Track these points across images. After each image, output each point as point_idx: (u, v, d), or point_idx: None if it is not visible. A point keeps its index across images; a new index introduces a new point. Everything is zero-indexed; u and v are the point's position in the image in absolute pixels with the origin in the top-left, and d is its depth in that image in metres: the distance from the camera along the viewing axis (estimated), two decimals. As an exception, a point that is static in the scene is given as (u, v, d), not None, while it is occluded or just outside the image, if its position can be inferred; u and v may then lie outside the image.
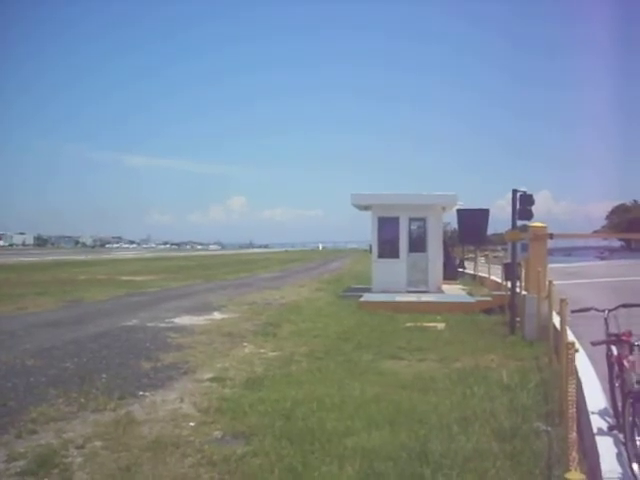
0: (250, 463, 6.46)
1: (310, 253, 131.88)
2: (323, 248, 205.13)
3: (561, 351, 7.59)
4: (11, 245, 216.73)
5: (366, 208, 26.15)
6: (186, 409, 8.69)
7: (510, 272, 16.56)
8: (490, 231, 32.89)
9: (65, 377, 10.40)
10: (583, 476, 4.12)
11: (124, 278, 36.84)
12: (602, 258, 70.96)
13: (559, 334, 8.78)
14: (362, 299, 21.44)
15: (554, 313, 11.20)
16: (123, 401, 9.01)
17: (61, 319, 17.50)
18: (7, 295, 24.23)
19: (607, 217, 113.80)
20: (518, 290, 16.20)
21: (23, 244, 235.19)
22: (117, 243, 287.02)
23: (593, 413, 6.79)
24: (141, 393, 9.57)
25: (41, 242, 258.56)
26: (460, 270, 35.63)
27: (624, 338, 6.43)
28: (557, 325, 10.09)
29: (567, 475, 4.10)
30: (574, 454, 4.21)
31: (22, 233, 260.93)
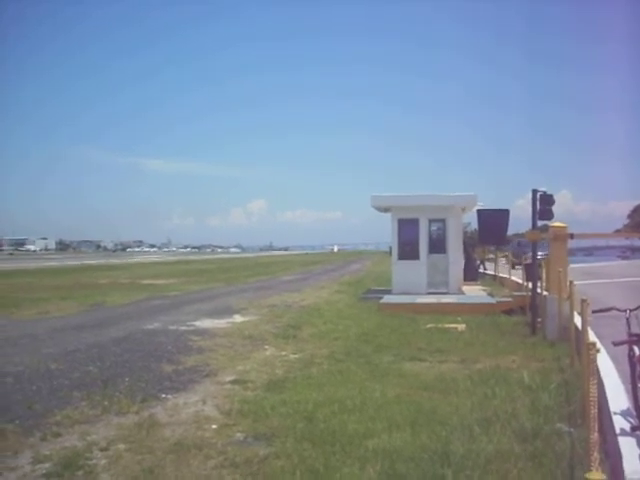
0: (272, 465, 6.50)
1: (329, 255, 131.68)
2: (339, 250, 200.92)
3: (583, 352, 7.57)
4: (34, 250, 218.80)
5: (386, 210, 26.14)
6: (208, 411, 8.75)
7: (531, 273, 16.49)
8: (510, 231, 32.67)
9: (88, 380, 10.48)
10: (604, 476, 4.11)
11: (145, 282, 37.02)
12: (624, 257, 70.24)
13: (580, 334, 8.75)
14: (382, 301, 21.45)
15: (575, 313, 11.15)
16: (146, 404, 9.09)
17: (84, 323, 17.63)
18: (30, 299, 24.44)
19: (629, 216, 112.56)
20: (539, 291, 16.13)
21: (45, 249, 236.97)
22: (138, 247, 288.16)
23: (615, 414, 6.76)
24: (163, 396, 9.65)
25: (63, 247, 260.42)
26: (480, 271, 35.52)
27: None
28: (578, 325, 10.05)
29: (587, 475, 4.09)
30: (595, 454, 4.21)
31: (44, 238, 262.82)
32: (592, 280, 26.94)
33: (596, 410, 4.56)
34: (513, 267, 30.10)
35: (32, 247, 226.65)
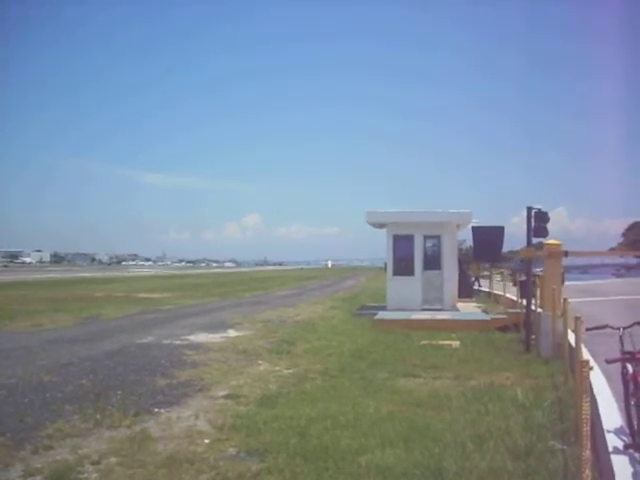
0: (264, 480, 6.48)
1: (324, 271, 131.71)
2: (333, 266, 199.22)
3: (576, 369, 7.58)
4: (30, 263, 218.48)
5: (381, 226, 26.20)
6: (201, 426, 8.72)
7: (525, 290, 16.52)
8: (505, 248, 32.72)
9: (81, 393, 10.44)
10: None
11: (140, 295, 36.98)
12: (619, 275, 70.34)
13: (574, 352, 8.75)
14: (377, 317, 21.43)
15: (569, 331, 11.16)
16: (138, 418, 9.05)
17: (77, 336, 17.59)
18: (24, 312, 24.39)
19: (623, 234, 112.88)
20: (533, 308, 16.14)
21: (40, 261, 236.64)
22: (133, 260, 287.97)
23: (609, 432, 6.76)
24: (156, 410, 9.62)
25: (58, 259, 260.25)
26: (475, 288, 35.52)
27: (639, 356, 6.41)
28: (572, 343, 10.06)
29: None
30: (587, 472, 4.21)
31: (39, 250, 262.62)
32: (587, 298, 26.99)
33: (589, 428, 4.57)
34: (514, 284, 30.07)
35: (28, 259, 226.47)
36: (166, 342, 16.47)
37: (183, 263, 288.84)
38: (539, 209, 15.63)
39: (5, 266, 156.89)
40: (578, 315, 8.58)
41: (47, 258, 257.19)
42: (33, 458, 7.23)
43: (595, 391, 8.22)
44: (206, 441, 7.97)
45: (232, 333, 18.80)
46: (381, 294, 29.71)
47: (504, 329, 19.27)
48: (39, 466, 6.91)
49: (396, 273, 25.31)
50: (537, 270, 18.17)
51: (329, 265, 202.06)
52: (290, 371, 12.90)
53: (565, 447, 7.29)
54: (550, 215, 15.88)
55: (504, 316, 20.96)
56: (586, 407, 4.68)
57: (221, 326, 20.47)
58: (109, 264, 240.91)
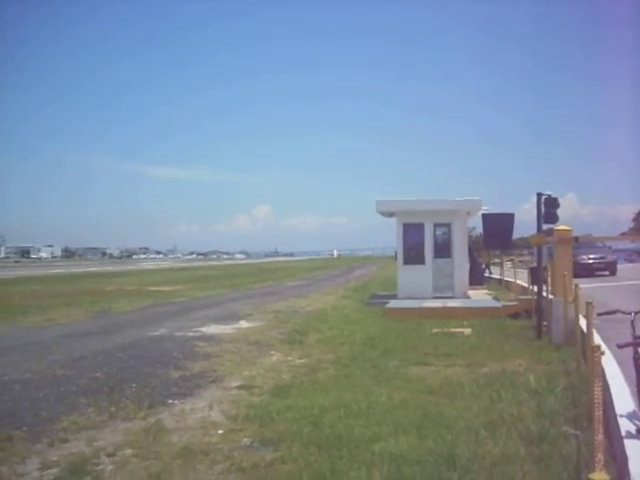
0: (279, 469, 6.52)
1: (334, 261, 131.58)
2: (339, 256, 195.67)
3: (588, 354, 7.57)
4: (46, 258, 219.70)
5: (391, 215, 26.15)
6: (215, 417, 8.77)
7: (536, 276, 16.48)
8: (516, 235, 32.66)
9: (95, 387, 10.52)
10: (607, 477, 4.12)
11: (151, 288, 37.07)
12: (630, 261, 69.96)
13: (586, 337, 8.75)
14: (388, 306, 21.44)
15: (581, 316, 11.14)
16: (152, 410, 9.12)
17: (90, 330, 17.69)
18: (37, 306, 24.52)
19: (634, 219, 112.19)
20: (545, 294, 16.11)
21: (51, 256, 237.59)
22: (144, 254, 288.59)
23: (621, 416, 6.75)
24: (170, 401, 9.68)
25: (69, 254, 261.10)
26: (486, 275, 35.47)
27: None
28: (584, 328, 10.05)
29: (591, 476, 4.11)
30: (600, 456, 4.22)
31: (50, 245, 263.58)
32: (599, 284, 26.89)
33: (601, 412, 4.58)
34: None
35: (44, 254, 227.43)
36: (178, 334, 16.54)
37: (194, 255, 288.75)
38: (549, 195, 15.56)
39: (17, 262, 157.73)
40: (589, 300, 8.57)
41: (58, 253, 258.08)
42: (49, 451, 7.31)
43: (607, 376, 8.22)
44: (220, 432, 8.03)
45: (244, 324, 18.85)
46: (392, 283, 29.68)
47: (515, 316, 19.22)
48: (55, 459, 6.98)
49: (407, 262, 25.29)
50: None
51: (335, 255, 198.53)
52: (302, 361, 12.94)
53: (578, 432, 7.29)
54: (560, 201, 15.80)
55: (515, 303, 20.91)
56: (598, 392, 4.68)
57: (233, 317, 20.53)
58: (120, 258, 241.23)
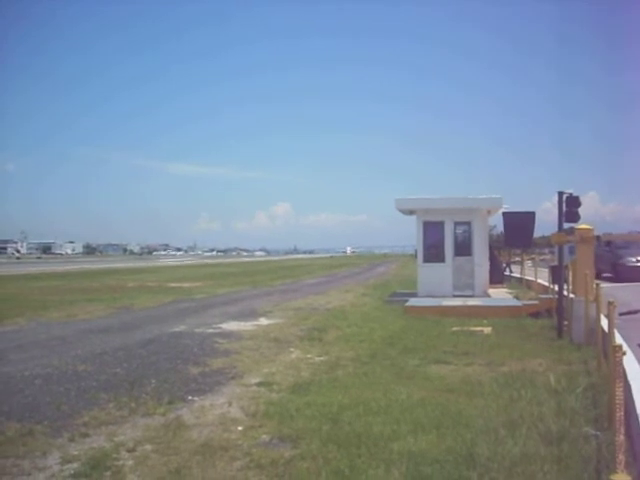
0: (298, 466, 6.51)
1: (354, 259, 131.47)
2: (353, 253, 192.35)
3: (609, 354, 7.51)
4: (69, 253, 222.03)
5: (411, 213, 26.12)
6: (234, 413, 8.79)
7: (557, 275, 16.37)
8: (536, 234, 32.41)
9: (115, 382, 10.59)
10: (629, 478, 4.09)
11: (172, 285, 37.28)
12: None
13: (607, 337, 8.68)
14: (408, 304, 21.39)
15: (602, 316, 11.05)
16: (172, 405, 9.16)
17: (111, 325, 17.81)
18: (58, 302, 24.73)
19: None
20: (566, 293, 16.00)
21: (73, 252, 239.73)
22: (164, 250, 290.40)
23: (643, 417, 6.70)
24: (190, 398, 9.72)
25: (90, 250, 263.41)
26: (506, 274, 35.29)
27: None
28: (605, 328, 9.97)
29: (612, 476, 4.08)
30: (621, 456, 4.19)
31: (71, 242, 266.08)
32: (621, 283, 26.66)
33: (622, 412, 4.54)
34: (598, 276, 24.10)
35: (69, 250, 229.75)
36: (198, 331, 16.61)
37: (214, 252, 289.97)
38: (570, 194, 15.45)
39: (38, 257, 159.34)
40: (611, 300, 8.51)
41: (80, 249, 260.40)
42: (70, 445, 7.36)
43: (629, 376, 8.15)
44: (239, 428, 8.04)
45: (263, 321, 18.90)
46: (412, 281, 29.62)
47: (536, 315, 19.11)
48: (76, 453, 7.03)
49: (427, 260, 25.26)
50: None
51: (348, 252, 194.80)
52: (322, 358, 12.94)
53: (599, 433, 7.24)
54: (582, 200, 15.69)
55: (536, 302, 20.79)
56: (619, 392, 4.64)
57: (252, 314, 20.59)
58: (141, 254, 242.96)
